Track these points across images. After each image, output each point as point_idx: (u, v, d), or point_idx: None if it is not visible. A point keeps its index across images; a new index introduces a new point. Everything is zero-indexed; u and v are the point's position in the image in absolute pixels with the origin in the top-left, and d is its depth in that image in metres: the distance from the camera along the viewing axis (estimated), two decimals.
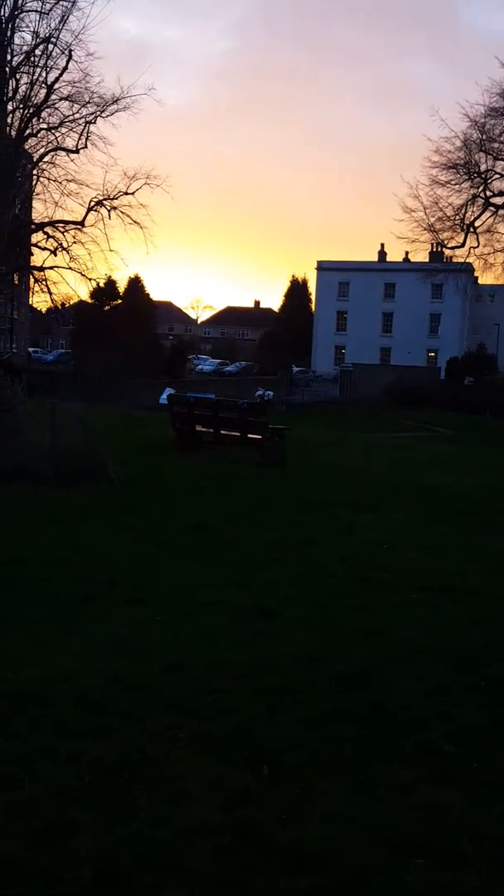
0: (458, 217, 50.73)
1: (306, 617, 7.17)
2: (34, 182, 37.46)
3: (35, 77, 34.25)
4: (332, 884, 3.44)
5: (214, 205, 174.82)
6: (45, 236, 37.66)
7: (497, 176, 51.67)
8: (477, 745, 4.78)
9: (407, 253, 72.38)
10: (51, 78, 34.44)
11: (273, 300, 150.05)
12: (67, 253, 37.70)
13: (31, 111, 34.57)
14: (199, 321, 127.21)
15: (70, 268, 38.07)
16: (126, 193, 37.70)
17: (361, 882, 3.47)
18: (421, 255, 63.79)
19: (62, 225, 37.92)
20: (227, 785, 4.19)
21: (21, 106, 34.26)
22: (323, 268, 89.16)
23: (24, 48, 34.22)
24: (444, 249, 54.60)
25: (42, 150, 36.53)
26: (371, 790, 4.22)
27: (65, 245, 37.68)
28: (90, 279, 39.71)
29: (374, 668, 5.97)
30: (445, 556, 9.96)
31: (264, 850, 3.66)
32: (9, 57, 33.83)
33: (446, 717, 5.15)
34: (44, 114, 35.46)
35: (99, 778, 4.24)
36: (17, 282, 42.70)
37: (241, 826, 3.82)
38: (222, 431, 18.78)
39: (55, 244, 37.51)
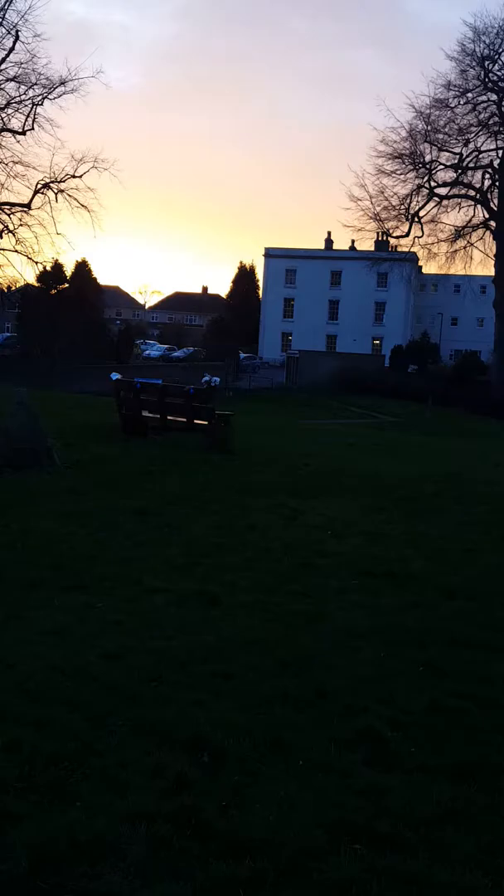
0: (403, 207, 51.36)
1: (250, 603, 7.18)
2: None
3: None
4: (272, 870, 3.45)
5: (162, 190, 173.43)
6: None
7: (441, 167, 52.42)
8: (416, 730, 4.84)
9: (353, 241, 72.95)
10: None
11: (221, 286, 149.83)
12: (13, 236, 37.11)
13: None
14: (146, 306, 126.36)
15: (16, 251, 37.51)
16: (73, 177, 37.21)
17: (301, 868, 3.48)
18: (367, 244, 64.38)
19: (8, 207, 37.28)
20: (167, 772, 4.17)
21: None
22: (270, 255, 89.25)
23: None
24: (389, 238, 55.13)
25: None
26: (311, 776, 4.25)
27: (10, 228, 37.06)
28: (36, 262, 39.16)
29: (317, 653, 6.01)
30: (387, 542, 10.06)
31: (203, 838, 3.65)
32: None
33: (386, 701, 5.20)
34: None
35: (37, 767, 4.18)
36: None
37: (180, 813, 3.80)
38: (168, 417, 18.69)
39: (1, 226, 36.84)
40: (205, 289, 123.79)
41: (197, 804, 3.89)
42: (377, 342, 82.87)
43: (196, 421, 18.09)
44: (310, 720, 4.90)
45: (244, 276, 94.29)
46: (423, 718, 5.01)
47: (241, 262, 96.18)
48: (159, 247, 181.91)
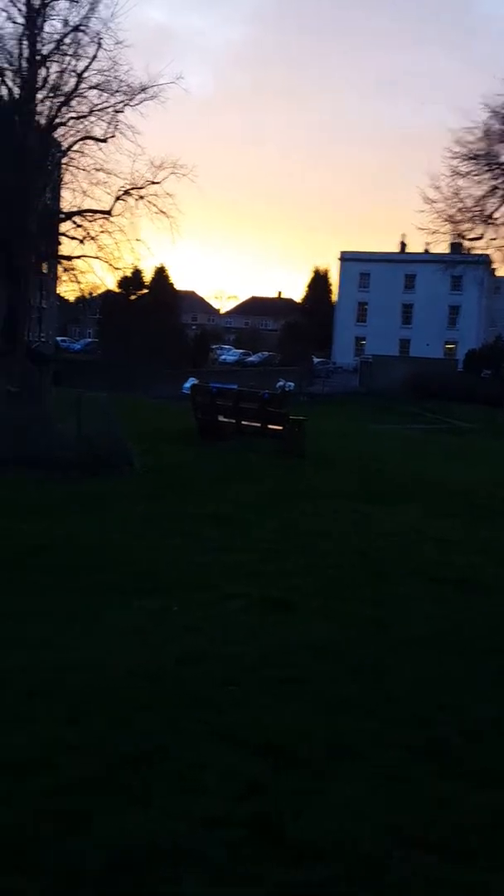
0: (477, 208, 50.50)
1: (321, 608, 7.23)
2: (63, 171, 37.70)
3: (65, 66, 34.47)
4: (343, 876, 3.49)
5: (237, 194, 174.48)
6: (74, 225, 37.86)
7: None
8: (485, 739, 4.82)
9: (427, 244, 72.15)
10: (80, 66, 34.64)
11: (296, 291, 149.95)
12: (95, 242, 37.89)
13: (60, 100, 34.81)
14: (222, 311, 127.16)
15: (97, 257, 38.29)
16: (153, 183, 37.80)
17: (371, 875, 3.51)
18: (441, 247, 63.55)
19: (90, 214, 38.08)
20: (240, 776, 4.24)
21: (51, 95, 34.51)
22: (345, 258, 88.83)
23: (55, 36, 34.45)
24: (463, 241, 54.38)
25: (71, 139, 36.72)
26: (380, 782, 4.27)
27: (92, 234, 37.88)
28: (117, 269, 39.96)
29: (386, 659, 6.02)
30: (459, 548, 9.99)
31: (276, 842, 3.70)
32: (39, 46, 34.08)
33: (457, 710, 5.18)
34: (73, 102, 35.63)
35: (113, 768, 4.28)
36: (45, 271, 43.05)
37: (253, 817, 3.86)
38: (243, 422, 18.96)
39: (83, 233, 37.71)
40: (279, 293, 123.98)
41: (269, 809, 3.94)
42: (450, 346, 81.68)
43: (270, 426, 18.32)
44: (379, 727, 4.90)
45: (318, 280, 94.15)
46: (492, 727, 4.98)
47: (315, 267, 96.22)
48: (235, 252, 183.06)
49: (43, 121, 34.25)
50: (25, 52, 33.78)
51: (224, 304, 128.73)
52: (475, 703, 5.35)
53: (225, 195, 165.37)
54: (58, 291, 51.39)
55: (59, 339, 70.42)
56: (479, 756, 4.63)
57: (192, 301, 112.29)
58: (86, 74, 35.08)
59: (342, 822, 3.88)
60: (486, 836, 3.85)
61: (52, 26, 35.62)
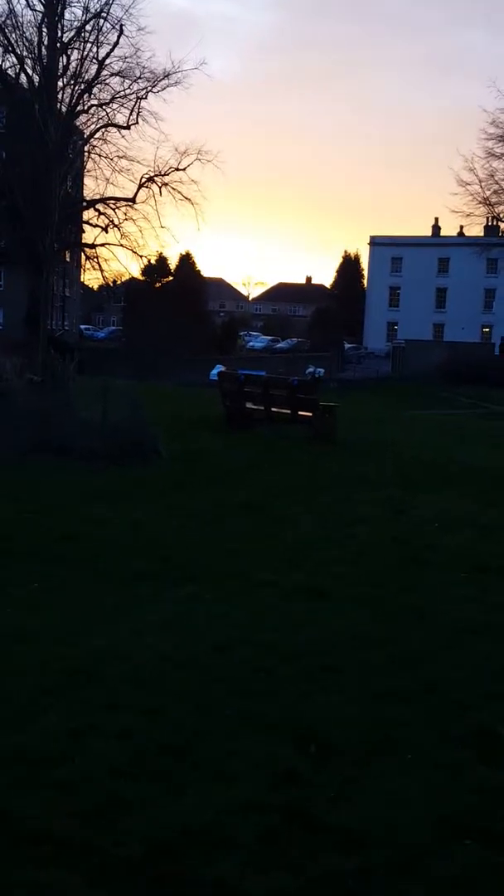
0: None
1: (358, 596, 7.13)
2: (85, 159, 37.57)
3: (86, 53, 34.29)
4: (381, 864, 3.43)
5: (265, 180, 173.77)
6: (97, 213, 37.85)
7: None
8: None
9: (462, 227, 71.12)
10: (102, 53, 34.46)
11: (325, 276, 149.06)
12: (118, 230, 37.83)
13: (82, 87, 34.63)
14: (250, 298, 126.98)
15: (121, 245, 38.22)
16: (177, 169, 37.58)
17: (410, 863, 3.45)
18: (476, 230, 62.61)
19: (113, 202, 37.98)
20: (275, 764, 4.20)
21: (72, 82, 34.33)
22: (376, 243, 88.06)
23: (75, 24, 34.25)
24: (499, 223, 53.47)
25: (93, 127, 36.62)
26: (421, 771, 4.20)
27: (116, 222, 37.79)
28: (141, 256, 39.86)
29: (427, 648, 5.94)
30: (498, 536, 9.81)
31: (312, 829, 3.66)
32: (60, 33, 33.89)
33: (498, 698, 5.09)
34: (95, 90, 35.50)
35: (149, 755, 4.28)
36: (68, 259, 43.12)
37: (288, 805, 3.83)
38: (273, 409, 18.73)
39: (106, 221, 37.64)
40: (308, 279, 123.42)
41: (306, 796, 3.91)
42: (486, 330, 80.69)
43: (300, 412, 18.07)
44: (419, 716, 4.84)
45: (348, 265, 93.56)
46: None
47: (345, 251, 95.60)
48: (262, 238, 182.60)
49: (64, 108, 34.08)
50: (45, 40, 33.63)
51: (252, 291, 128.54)
52: None
53: (252, 181, 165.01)
54: (81, 279, 51.48)
55: (82, 327, 70.67)
56: None
57: (220, 288, 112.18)
58: (107, 61, 34.89)
59: (382, 810, 3.82)
60: None
61: (73, 13, 35.53)
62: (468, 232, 70.87)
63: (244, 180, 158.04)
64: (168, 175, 37.67)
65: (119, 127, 36.80)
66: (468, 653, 5.88)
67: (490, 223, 55.59)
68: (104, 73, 35.11)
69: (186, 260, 71.32)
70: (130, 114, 36.47)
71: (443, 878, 3.36)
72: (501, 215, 50.95)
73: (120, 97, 36.44)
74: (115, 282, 45.08)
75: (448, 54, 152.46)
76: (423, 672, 5.47)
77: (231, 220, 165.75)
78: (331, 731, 4.57)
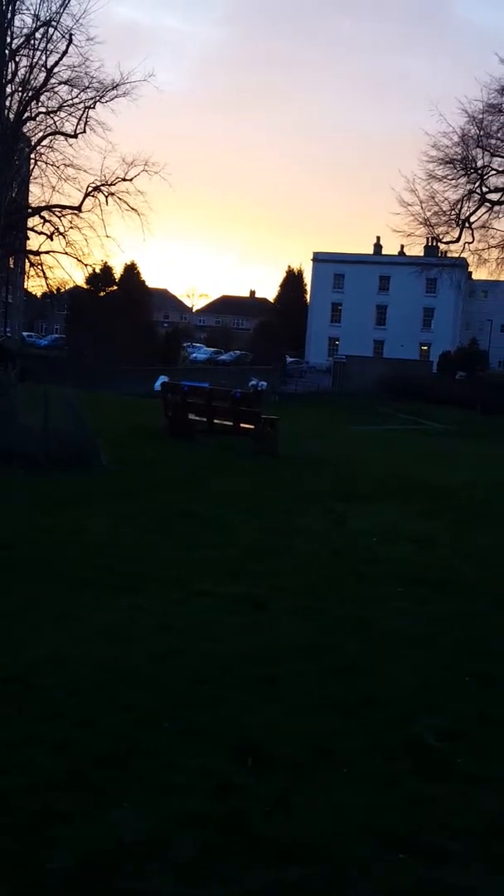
0: (453, 212, 50.62)
1: (297, 608, 7.15)
2: (32, 166, 37.18)
3: (35, 60, 33.97)
4: (319, 877, 3.43)
5: (211, 193, 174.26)
6: (42, 220, 37.48)
7: (493, 172, 51.48)
8: (464, 740, 4.78)
9: (402, 246, 72.39)
10: (50, 61, 34.17)
11: (269, 290, 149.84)
12: (64, 238, 37.51)
13: (30, 94, 34.28)
14: (194, 309, 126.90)
15: (66, 253, 37.89)
16: (124, 180, 37.48)
17: (347, 875, 3.45)
18: (416, 249, 63.74)
19: (59, 209, 37.65)
20: (213, 776, 4.17)
21: (20, 89, 33.97)
22: (319, 259, 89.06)
23: (25, 31, 33.93)
24: (439, 244, 54.54)
25: (40, 134, 36.28)
26: (357, 783, 4.21)
27: (61, 230, 37.47)
28: (86, 264, 39.55)
29: (365, 659, 5.97)
30: (436, 549, 9.96)
31: (250, 842, 3.64)
32: (9, 39, 33.52)
33: (435, 710, 5.15)
34: (43, 97, 35.21)
35: (85, 767, 4.21)
36: (12, 265, 42.48)
37: (226, 817, 3.80)
38: (215, 420, 18.76)
39: (51, 228, 37.30)
40: (252, 293, 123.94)
41: (243, 808, 3.88)
42: (425, 348, 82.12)
43: (242, 424, 18.13)
44: (357, 727, 4.86)
45: (292, 280, 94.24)
46: (471, 729, 4.94)
47: (288, 266, 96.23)
48: (207, 250, 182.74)
49: (11, 115, 33.70)
50: None
51: (196, 303, 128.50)
52: (455, 703, 5.31)
53: (198, 194, 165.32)
54: (25, 286, 50.78)
55: (25, 334, 69.66)
56: (460, 757, 4.57)
57: (164, 299, 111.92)
58: (56, 70, 34.65)
59: (320, 823, 3.81)
60: (469, 838, 3.79)
61: (22, 21, 35.13)
62: (409, 252, 72.14)
63: (190, 193, 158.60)
64: (115, 185, 37.58)
65: (66, 135, 36.59)
66: (405, 664, 5.92)
67: (430, 244, 56.66)
68: (53, 81, 34.87)
69: (131, 270, 70.92)
70: (78, 123, 36.32)
71: (378, 892, 3.37)
72: (441, 237, 52.04)
73: (68, 106, 36.26)
74: (58, 289, 44.59)
75: (391, 75, 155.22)
76: (361, 684, 5.50)
77: (177, 231, 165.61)
78: (269, 742, 4.55)
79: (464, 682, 5.68)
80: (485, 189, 51.50)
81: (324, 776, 4.27)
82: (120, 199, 37.47)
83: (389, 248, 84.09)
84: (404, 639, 6.49)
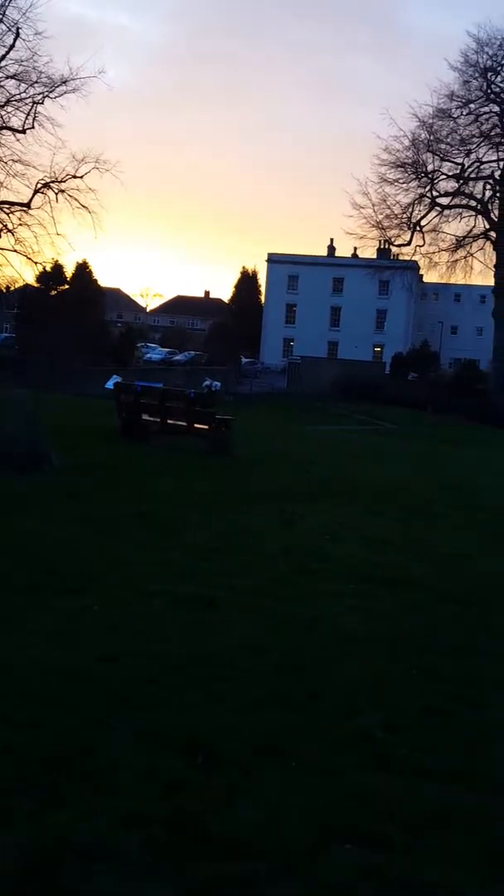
0: (405, 215, 51.37)
1: (247, 606, 7.20)
2: None
3: None
4: (265, 870, 3.47)
5: (165, 192, 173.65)
6: None
7: (443, 176, 52.42)
8: (409, 732, 4.87)
9: (355, 249, 73.13)
10: None
11: (223, 291, 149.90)
12: (12, 235, 37.09)
13: None
14: (148, 309, 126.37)
15: (15, 250, 37.48)
16: (75, 177, 37.19)
17: (294, 867, 3.50)
18: (369, 252, 64.48)
19: (7, 206, 37.24)
20: (161, 775, 4.18)
21: None
22: (273, 260, 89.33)
23: None
24: (391, 247, 55.18)
25: None
26: (304, 777, 4.27)
27: (10, 227, 37.04)
28: (36, 263, 39.14)
29: (313, 656, 6.04)
30: (385, 547, 10.09)
31: (197, 839, 3.66)
32: None
33: (380, 704, 5.24)
34: None
35: (31, 769, 4.20)
36: None
37: (174, 815, 3.82)
38: (169, 421, 18.74)
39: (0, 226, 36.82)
40: (207, 293, 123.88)
41: (191, 806, 3.90)
42: (378, 349, 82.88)
43: (197, 425, 18.13)
44: (304, 723, 4.92)
45: (246, 280, 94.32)
46: (416, 721, 5.05)
47: (243, 267, 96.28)
48: (161, 250, 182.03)
49: None
50: None
51: (150, 302, 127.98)
52: (400, 697, 5.40)
53: (151, 193, 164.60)
54: None
55: None
56: (404, 748, 4.67)
57: (117, 298, 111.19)
58: (3, 64, 34.28)
59: (268, 817, 3.85)
60: (411, 827, 3.87)
61: None
62: (362, 254, 72.91)
63: (143, 191, 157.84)
64: (65, 182, 37.28)
65: (14, 130, 36.21)
66: (352, 660, 6.01)
67: (382, 246, 57.32)
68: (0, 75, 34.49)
69: (83, 268, 70.25)
70: (26, 118, 35.99)
71: (324, 882, 3.42)
72: (393, 239, 52.66)
73: (15, 100, 35.91)
74: (8, 288, 44.07)
75: (345, 78, 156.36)
76: (309, 680, 5.56)
77: (130, 230, 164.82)
78: (218, 740, 4.58)
79: (409, 676, 5.79)
80: (435, 193, 52.33)
81: (271, 772, 4.32)
82: (70, 196, 37.21)
83: (343, 251, 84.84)
84: (352, 635, 6.58)
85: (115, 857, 3.49)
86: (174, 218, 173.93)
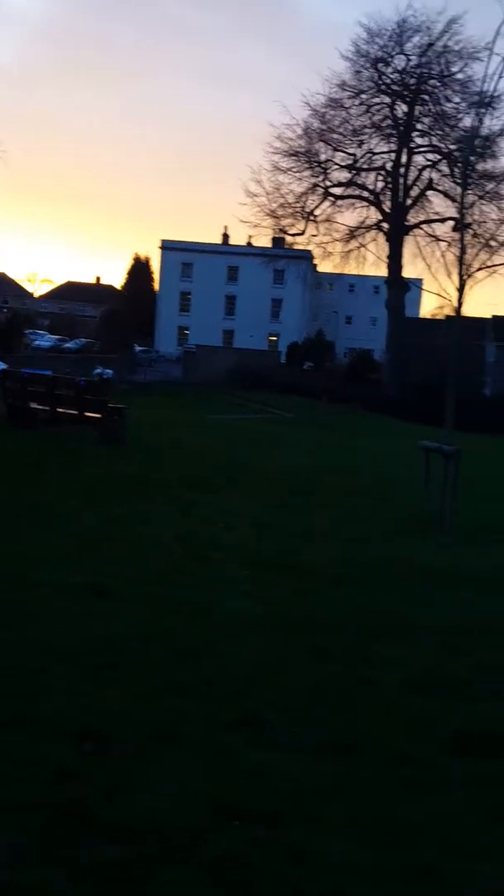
0: (298, 205, 51.86)
1: (139, 594, 7.15)
2: None
3: None
4: (155, 852, 3.46)
5: (52, 175, 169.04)
6: None
7: (336, 167, 53.16)
8: (300, 711, 4.96)
9: (250, 237, 73.41)
10: None
11: (115, 277, 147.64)
12: None
13: None
14: (36, 295, 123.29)
15: None
16: None
17: (184, 848, 3.51)
18: (264, 241, 64.91)
19: None
20: (50, 763, 4.12)
21: None
22: (167, 247, 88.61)
23: None
24: (285, 236, 55.64)
25: None
26: (196, 760, 4.29)
27: None
28: None
29: (206, 642, 6.07)
30: (278, 533, 10.22)
31: (87, 825, 3.63)
32: None
33: (272, 686, 5.30)
34: None
35: None
36: None
37: (62, 803, 3.76)
38: (59, 409, 18.38)
39: None
40: (98, 279, 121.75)
41: (81, 793, 3.86)
42: (274, 339, 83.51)
43: (88, 413, 17.85)
44: (197, 707, 4.94)
45: (139, 267, 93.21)
46: (307, 700, 5.14)
47: (136, 254, 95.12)
48: (49, 234, 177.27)
49: None
50: None
51: (38, 288, 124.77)
52: (290, 678, 5.49)
53: (38, 175, 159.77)
54: None
55: None
56: (293, 727, 4.74)
57: (2, 283, 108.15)
58: None
59: (158, 799, 3.85)
60: (299, 801, 3.94)
61: None
62: (256, 242, 73.23)
63: (29, 173, 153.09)
64: None
65: None
66: (245, 644, 6.07)
67: (276, 235, 57.71)
68: None
69: None
70: None
71: (214, 860, 3.44)
72: (287, 229, 53.10)
73: None
74: None
75: (237, 64, 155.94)
76: (201, 666, 5.59)
77: (15, 213, 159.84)
78: (109, 727, 4.55)
79: (299, 658, 5.88)
80: (328, 183, 53.02)
81: (163, 756, 4.32)
82: None
83: (238, 239, 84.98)
84: (245, 620, 6.63)
85: (2, 844, 3.41)
86: (63, 202, 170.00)
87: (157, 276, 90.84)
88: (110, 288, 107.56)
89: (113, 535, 9.42)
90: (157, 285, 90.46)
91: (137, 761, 4.23)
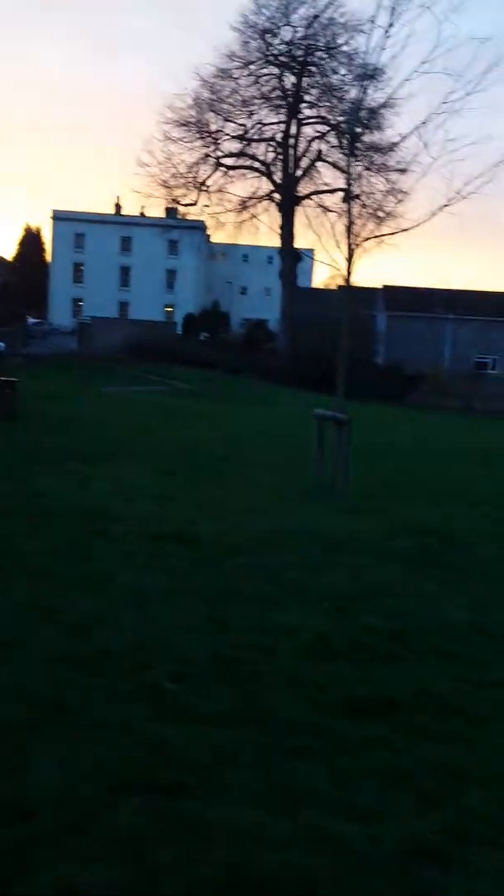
0: (190, 175, 51.37)
1: (36, 568, 7.03)
2: None
3: None
4: (54, 829, 3.42)
5: None
6: None
7: (227, 137, 52.88)
8: (198, 680, 4.98)
9: (143, 207, 72.27)
10: None
11: (5, 248, 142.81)
12: None
13: None
14: None
15: None
16: None
17: (81, 823, 3.48)
18: (157, 211, 64.04)
19: None
20: None
21: None
22: (58, 217, 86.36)
23: None
24: (178, 206, 55.04)
25: None
26: (94, 733, 4.25)
27: None
28: None
29: (105, 615, 6.01)
30: (175, 505, 10.22)
31: None
32: None
33: (170, 657, 5.30)
34: None
35: None
36: None
37: None
38: None
39: None
40: None
41: None
42: (169, 310, 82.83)
43: None
44: (94, 680, 4.89)
45: (30, 238, 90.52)
46: (205, 670, 5.15)
47: (26, 224, 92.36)
48: None
49: None
50: None
51: None
52: (190, 648, 5.49)
53: None
54: None
55: None
56: (193, 697, 4.76)
57: None
58: None
59: (54, 776, 3.81)
60: (201, 771, 3.96)
61: None
62: (149, 213, 72.18)
63: None
64: None
65: None
66: (144, 616, 6.04)
67: (169, 205, 57.02)
68: None
69: None
70: None
71: (111, 833, 3.42)
72: (179, 199, 52.54)
73: None
74: None
75: (124, 31, 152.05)
76: (99, 639, 5.53)
77: None
78: (2, 701, 4.47)
79: (199, 627, 5.90)
80: (220, 154, 52.67)
81: (60, 730, 4.26)
82: None
83: (131, 209, 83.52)
84: (143, 592, 6.60)
85: None
86: None
87: (48, 246, 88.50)
88: (0, 260, 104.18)
89: (7, 509, 9.22)
90: (49, 256, 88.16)
91: (33, 738, 4.16)
